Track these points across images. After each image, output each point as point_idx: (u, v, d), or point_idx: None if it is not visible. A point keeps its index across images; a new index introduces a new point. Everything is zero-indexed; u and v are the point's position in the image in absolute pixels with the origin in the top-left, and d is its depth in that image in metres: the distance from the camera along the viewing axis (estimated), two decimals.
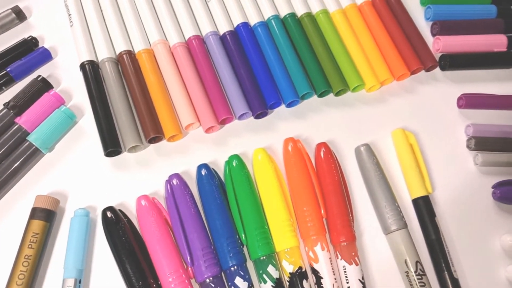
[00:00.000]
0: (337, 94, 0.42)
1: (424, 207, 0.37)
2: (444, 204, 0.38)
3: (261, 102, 0.40)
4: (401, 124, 0.41)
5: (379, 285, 0.35)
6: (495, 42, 0.45)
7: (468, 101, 0.42)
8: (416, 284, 0.33)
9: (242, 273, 0.33)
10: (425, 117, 0.42)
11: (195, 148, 0.39)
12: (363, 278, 0.34)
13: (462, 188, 0.39)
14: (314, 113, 0.41)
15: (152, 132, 0.37)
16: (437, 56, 0.44)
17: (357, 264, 0.34)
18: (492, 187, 0.39)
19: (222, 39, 0.42)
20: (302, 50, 0.42)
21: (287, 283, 0.33)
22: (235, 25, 0.43)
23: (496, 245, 0.37)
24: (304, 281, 0.33)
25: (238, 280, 0.32)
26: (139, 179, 0.37)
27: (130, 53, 0.41)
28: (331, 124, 0.41)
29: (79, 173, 0.37)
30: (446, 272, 0.34)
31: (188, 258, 0.33)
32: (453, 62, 0.43)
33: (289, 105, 0.41)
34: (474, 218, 0.38)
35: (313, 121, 0.41)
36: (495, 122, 0.42)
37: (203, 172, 0.36)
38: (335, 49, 0.43)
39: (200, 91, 0.39)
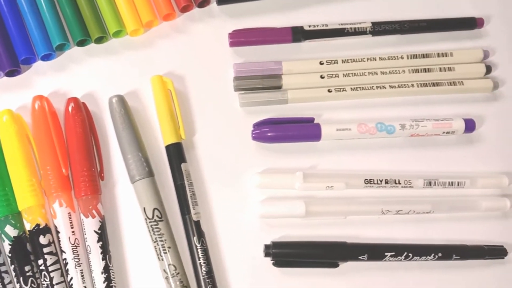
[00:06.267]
0: (99, 41, 0.40)
1: (174, 153, 0.37)
2: (205, 148, 0.39)
3: (11, 58, 0.38)
4: (170, 68, 0.40)
5: (126, 235, 0.37)
6: None
7: (235, 38, 0.40)
8: (152, 230, 0.35)
9: None
10: (196, 58, 0.41)
11: None
12: (99, 229, 0.35)
13: (225, 131, 0.39)
14: (76, 65, 0.40)
15: None
16: None
17: (93, 217, 0.35)
18: (252, 127, 0.39)
19: None
20: None
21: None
22: None
23: (251, 184, 0.38)
24: (42, 236, 0.34)
25: None
26: None
27: None
28: (94, 75, 0.40)
29: None
30: (187, 215, 0.36)
31: None
32: None
33: (45, 59, 0.39)
34: (233, 160, 0.39)
35: (74, 74, 0.39)
36: (272, 58, 0.41)
37: None
38: None
39: None
